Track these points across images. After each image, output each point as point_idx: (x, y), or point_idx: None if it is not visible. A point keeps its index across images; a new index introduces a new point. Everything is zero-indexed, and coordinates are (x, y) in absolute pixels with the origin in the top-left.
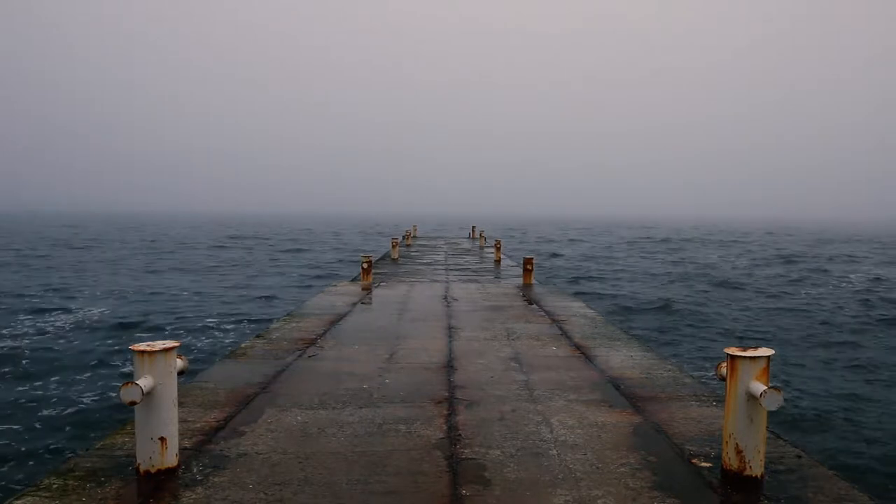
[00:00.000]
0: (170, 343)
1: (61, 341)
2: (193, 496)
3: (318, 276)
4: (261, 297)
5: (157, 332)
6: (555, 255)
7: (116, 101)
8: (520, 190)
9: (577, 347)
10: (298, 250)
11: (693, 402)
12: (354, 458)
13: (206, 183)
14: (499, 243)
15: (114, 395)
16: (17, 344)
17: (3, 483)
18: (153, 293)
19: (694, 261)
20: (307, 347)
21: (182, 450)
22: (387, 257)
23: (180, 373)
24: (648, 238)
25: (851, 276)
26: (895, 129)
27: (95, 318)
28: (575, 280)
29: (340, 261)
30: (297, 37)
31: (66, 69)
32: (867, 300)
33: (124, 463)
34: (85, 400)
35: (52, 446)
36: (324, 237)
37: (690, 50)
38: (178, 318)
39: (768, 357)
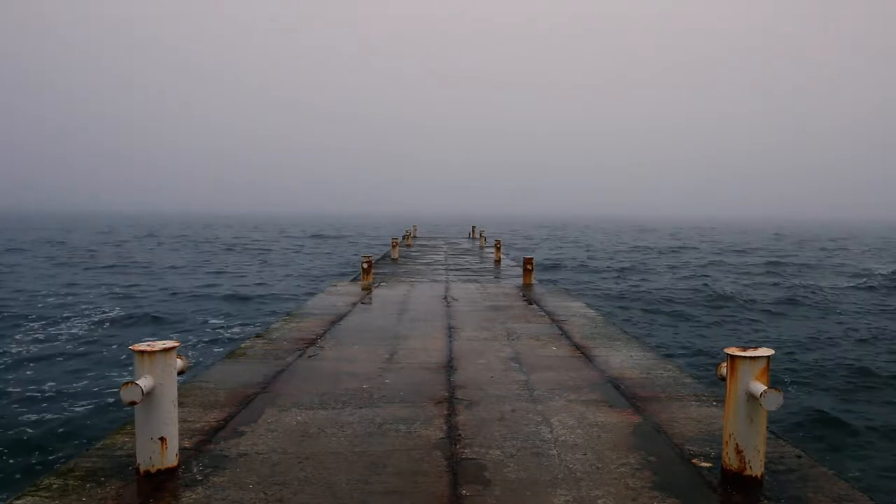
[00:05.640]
0: (170, 343)
1: (59, 341)
2: (193, 496)
3: None
4: None
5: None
6: None
7: (116, 102)
8: (522, 190)
9: (578, 347)
10: None
11: (693, 402)
12: (354, 458)
13: (206, 183)
14: (499, 243)
15: (113, 395)
16: (13, 344)
17: (3, 483)
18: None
19: None
20: (307, 347)
21: (182, 450)
22: (387, 257)
23: (180, 373)
24: None
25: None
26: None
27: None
28: None
29: None
30: (298, 37)
31: (65, 69)
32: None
33: (124, 463)
34: (85, 400)
35: (51, 446)
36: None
37: (691, 50)
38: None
39: (768, 357)
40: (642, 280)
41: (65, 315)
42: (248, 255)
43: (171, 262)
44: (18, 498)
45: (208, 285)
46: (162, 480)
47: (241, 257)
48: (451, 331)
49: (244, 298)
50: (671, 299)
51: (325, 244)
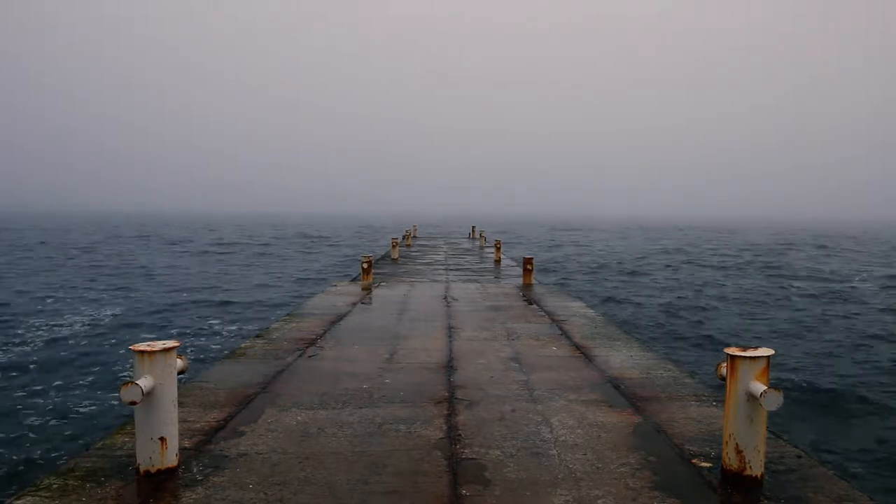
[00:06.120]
0: (170, 343)
1: (60, 341)
2: (193, 496)
3: None
4: None
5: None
6: None
7: (116, 102)
8: (522, 190)
9: (577, 347)
10: None
11: (693, 402)
12: (354, 458)
13: (206, 183)
14: (499, 243)
15: (113, 395)
16: (15, 345)
17: (4, 483)
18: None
19: None
20: (307, 347)
21: (182, 450)
22: (387, 257)
23: (180, 373)
24: None
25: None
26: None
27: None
28: None
29: None
30: (298, 37)
31: (65, 69)
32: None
33: (124, 463)
34: (85, 400)
35: (51, 447)
36: None
37: (691, 50)
38: None
39: (768, 357)
40: (642, 280)
41: (65, 315)
42: (248, 255)
43: (171, 262)
44: (18, 498)
45: (208, 286)
46: (162, 480)
47: (241, 258)
48: (451, 331)
49: (243, 299)
50: (670, 299)
51: (324, 244)
